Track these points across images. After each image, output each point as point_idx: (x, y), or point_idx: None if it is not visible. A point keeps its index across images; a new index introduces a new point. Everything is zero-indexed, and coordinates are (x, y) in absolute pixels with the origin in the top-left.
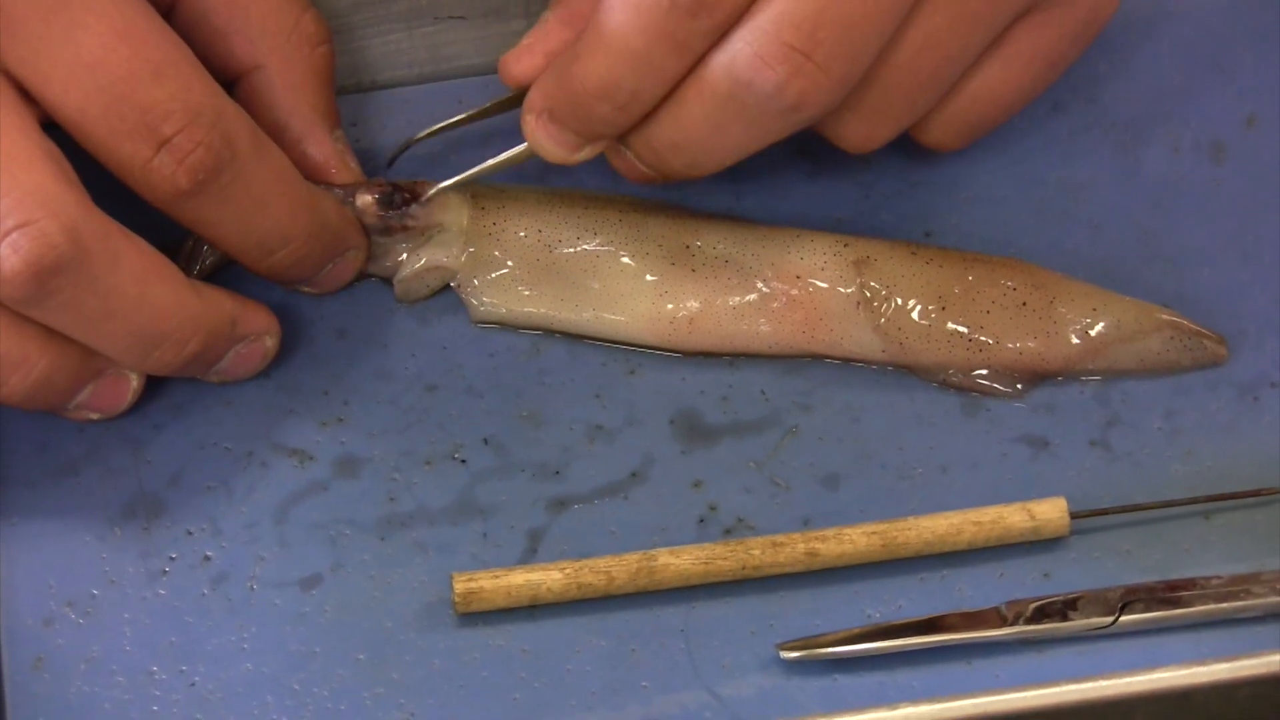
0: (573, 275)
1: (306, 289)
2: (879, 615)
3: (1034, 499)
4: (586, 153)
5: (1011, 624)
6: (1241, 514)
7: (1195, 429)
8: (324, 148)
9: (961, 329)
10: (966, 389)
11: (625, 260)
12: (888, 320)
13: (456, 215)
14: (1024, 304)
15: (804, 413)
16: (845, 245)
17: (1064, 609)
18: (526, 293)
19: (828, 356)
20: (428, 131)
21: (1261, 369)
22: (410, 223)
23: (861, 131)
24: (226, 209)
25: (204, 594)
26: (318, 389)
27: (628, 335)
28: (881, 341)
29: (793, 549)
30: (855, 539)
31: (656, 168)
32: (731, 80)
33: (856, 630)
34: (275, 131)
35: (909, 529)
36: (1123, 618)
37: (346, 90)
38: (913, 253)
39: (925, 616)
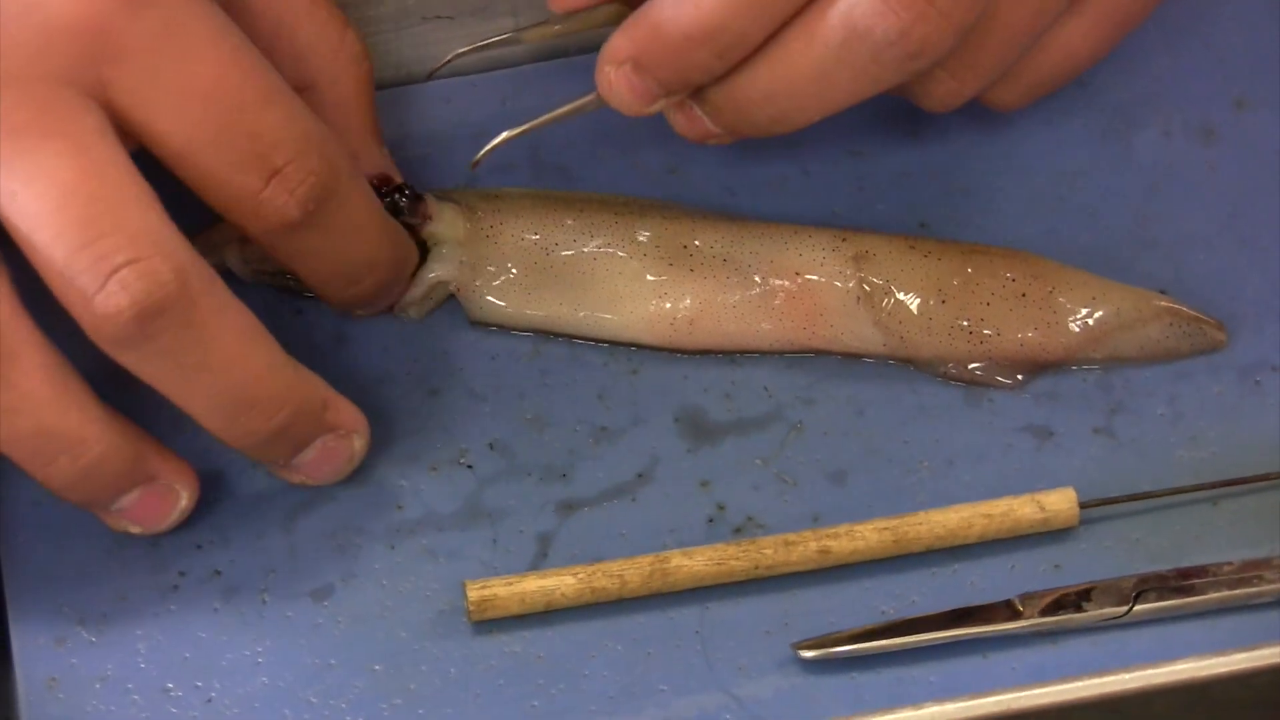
0: (571, 277)
1: (360, 312)
2: (893, 611)
3: (1040, 489)
4: (661, 105)
5: (1026, 616)
6: (1249, 499)
7: (1198, 414)
8: (377, 163)
9: (962, 321)
10: (968, 381)
11: (623, 261)
12: (888, 314)
13: (453, 228)
14: (1023, 295)
15: (807, 408)
16: (843, 240)
17: (1078, 600)
18: (525, 295)
19: (829, 352)
20: (471, 47)
21: (1262, 352)
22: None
23: (949, 87)
24: (327, 239)
25: (216, 608)
26: None
27: (628, 336)
28: (882, 336)
29: (805, 547)
30: (867, 535)
31: (733, 124)
32: (849, 26)
33: (872, 626)
34: None
35: (920, 524)
36: (1137, 607)
37: None
38: (911, 246)
39: (940, 611)
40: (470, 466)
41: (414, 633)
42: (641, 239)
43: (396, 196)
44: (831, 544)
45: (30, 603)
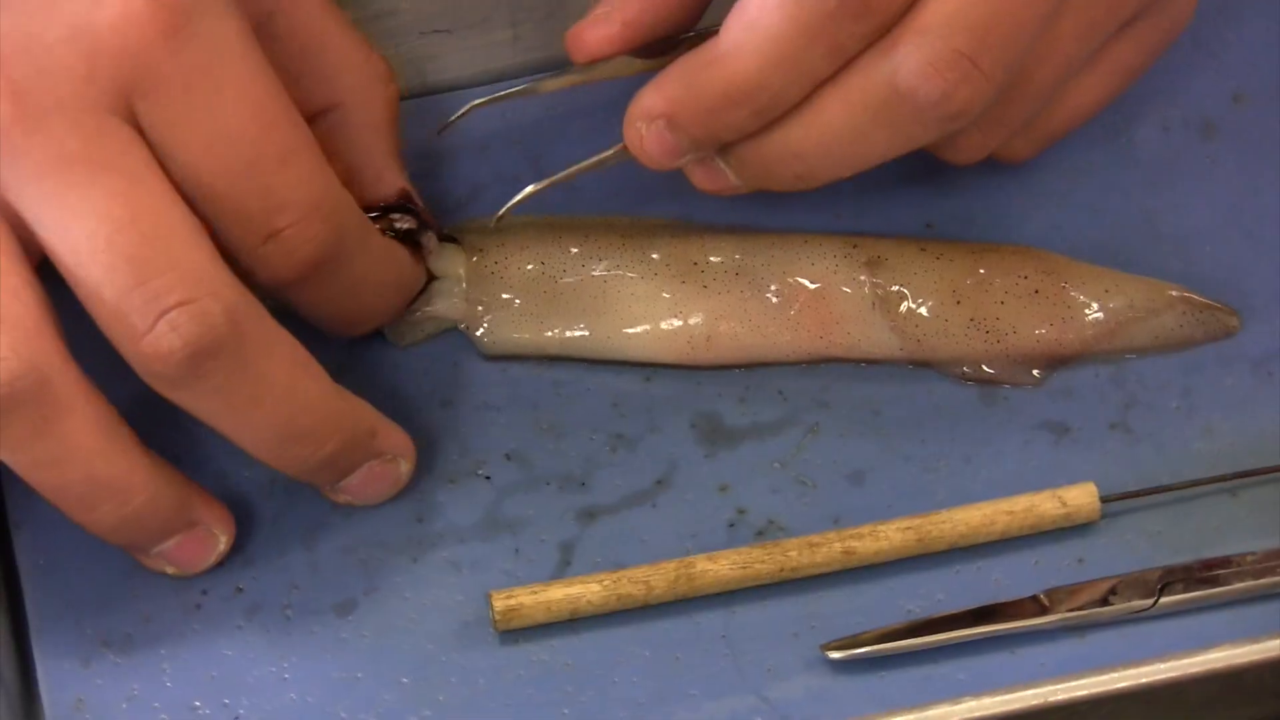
0: (583, 304)
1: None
2: (918, 609)
3: (1059, 485)
4: (688, 160)
5: (1052, 612)
6: (1268, 489)
7: (1212, 406)
8: (397, 184)
9: (978, 321)
10: (986, 381)
11: (635, 282)
12: (904, 318)
13: (453, 265)
14: (1037, 291)
15: (823, 410)
16: (854, 246)
17: (1104, 594)
18: (539, 326)
19: (847, 359)
20: (487, 99)
21: (1273, 343)
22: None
23: (975, 141)
24: (324, 294)
25: (240, 625)
26: None
27: (645, 356)
28: (900, 340)
29: (829, 548)
30: (890, 535)
31: (757, 179)
32: (891, 87)
33: (899, 626)
34: (353, 170)
35: (943, 522)
36: (1163, 599)
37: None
38: (922, 249)
39: (967, 608)
40: (488, 477)
41: (440, 644)
42: (652, 259)
43: (399, 225)
44: (856, 544)
45: (55, 625)
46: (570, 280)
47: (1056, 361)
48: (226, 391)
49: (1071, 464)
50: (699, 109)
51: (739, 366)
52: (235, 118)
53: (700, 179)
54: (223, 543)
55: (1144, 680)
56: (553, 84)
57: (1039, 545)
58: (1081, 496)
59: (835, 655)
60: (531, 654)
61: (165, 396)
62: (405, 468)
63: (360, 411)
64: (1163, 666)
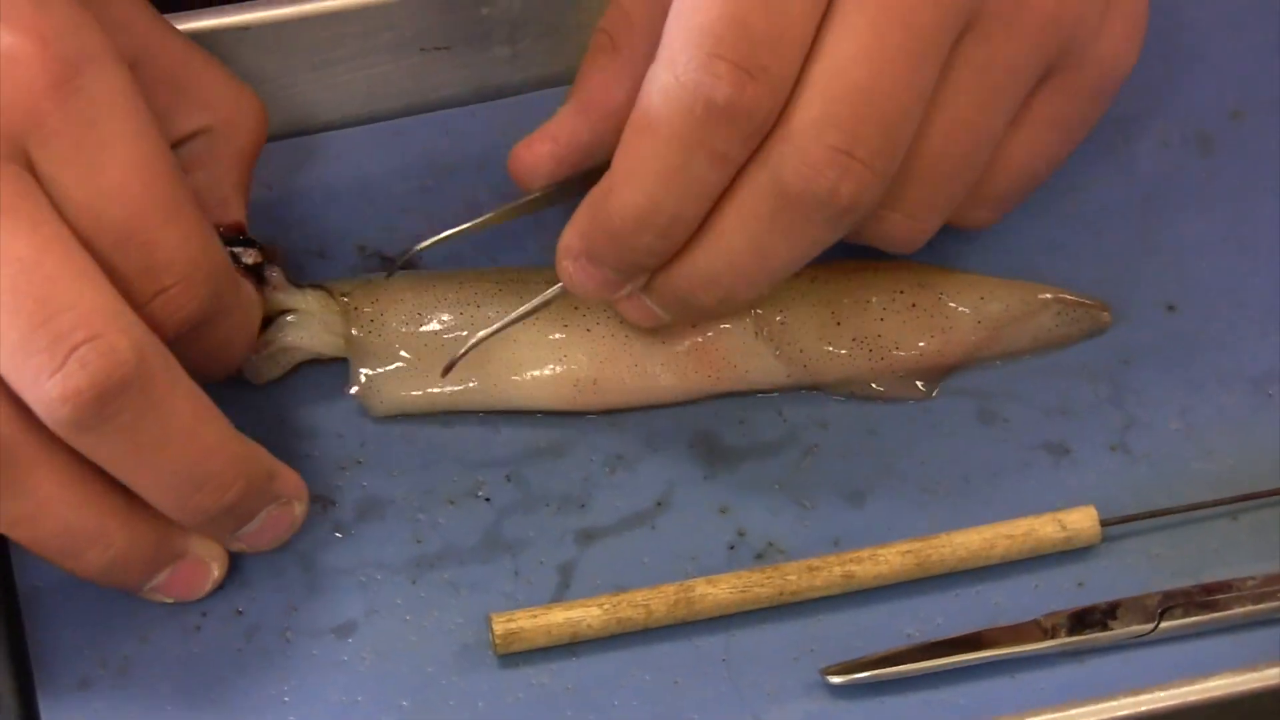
0: (469, 356)
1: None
2: (918, 633)
3: (1058, 506)
4: (628, 290)
5: (1052, 636)
6: (1268, 512)
7: (1211, 426)
8: (239, 217)
9: (860, 340)
10: (873, 398)
11: (516, 330)
12: (788, 344)
13: (311, 303)
14: (914, 305)
15: (821, 430)
16: None
17: (1103, 618)
18: (425, 381)
19: (736, 392)
20: (434, 240)
21: (1271, 363)
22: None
23: (906, 228)
24: (205, 345)
25: (239, 648)
26: (332, 432)
27: (536, 405)
28: (786, 367)
29: (829, 572)
30: (890, 559)
31: (681, 308)
32: (778, 193)
33: (899, 650)
34: (200, 190)
35: (942, 546)
36: (1163, 624)
37: (334, 125)
38: (797, 273)
39: (966, 632)
40: (488, 499)
41: (440, 667)
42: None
43: (244, 259)
44: (855, 568)
45: (52, 646)
46: (452, 335)
47: (943, 371)
48: (133, 432)
49: (1070, 485)
50: (609, 240)
51: (629, 410)
52: (120, 174)
53: (630, 313)
54: (215, 569)
55: (1143, 709)
56: (497, 216)
57: (1039, 568)
58: (1082, 520)
59: (835, 679)
60: (531, 677)
61: (70, 442)
62: (300, 510)
63: (259, 454)
64: (1162, 695)
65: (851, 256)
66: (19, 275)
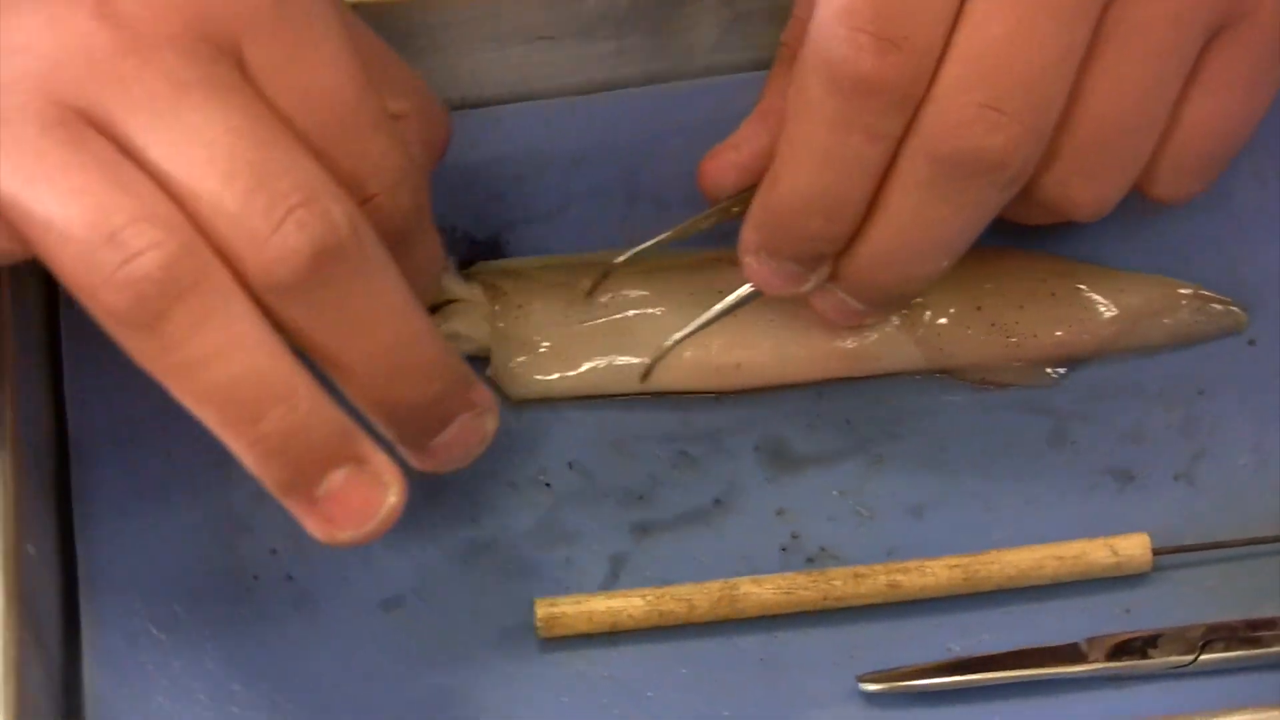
0: (610, 340)
1: None
2: (960, 648)
3: (1117, 533)
4: (813, 282)
5: (1092, 660)
6: None
7: None
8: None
9: (998, 326)
10: (1006, 384)
11: (660, 317)
12: (927, 329)
13: (471, 291)
14: (1054, 294)
15: (891, 441)
16: None
17: (1144, 646)
18: (565, 365)
19: (872, 375)
20: (630, 253)
21: None
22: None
23: (1089, 192)
24: (409, 266)
25: (286, 614)
26: None
27: (676, 387)
28: (924, 352)
29: (874, 580)
30: (937, 571)
31: (869, 294)
32: (931, 158)
33: (938, 663)
34: None
35: (991, 562)
36: (1203, 656)
37: None
38: None
39: (1007, 650)
40: (549, 485)
41: (482, 647)
42: (673, 291)
43: None
44: (901, 578)
45: (104, 599)
46: (594, 321)
47: (1075, 360)
48: (343, 303)
49: (1132, 512)
50: (780, 230)
51: (767, 389)
52: (332, 76)
53: (827, 309)
54: (393, 495)
55: None
56: (687, 228)
57: (1089, 592)
58: (1134, 547)
59: (870, 688)
60: (571, 663)
61: (282, 317)
62: (491, 425)
63: (458, 358)
64: None
65: (990, 244)
66: (236, 143)
